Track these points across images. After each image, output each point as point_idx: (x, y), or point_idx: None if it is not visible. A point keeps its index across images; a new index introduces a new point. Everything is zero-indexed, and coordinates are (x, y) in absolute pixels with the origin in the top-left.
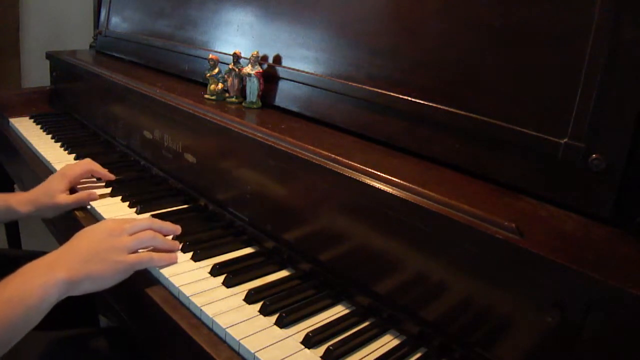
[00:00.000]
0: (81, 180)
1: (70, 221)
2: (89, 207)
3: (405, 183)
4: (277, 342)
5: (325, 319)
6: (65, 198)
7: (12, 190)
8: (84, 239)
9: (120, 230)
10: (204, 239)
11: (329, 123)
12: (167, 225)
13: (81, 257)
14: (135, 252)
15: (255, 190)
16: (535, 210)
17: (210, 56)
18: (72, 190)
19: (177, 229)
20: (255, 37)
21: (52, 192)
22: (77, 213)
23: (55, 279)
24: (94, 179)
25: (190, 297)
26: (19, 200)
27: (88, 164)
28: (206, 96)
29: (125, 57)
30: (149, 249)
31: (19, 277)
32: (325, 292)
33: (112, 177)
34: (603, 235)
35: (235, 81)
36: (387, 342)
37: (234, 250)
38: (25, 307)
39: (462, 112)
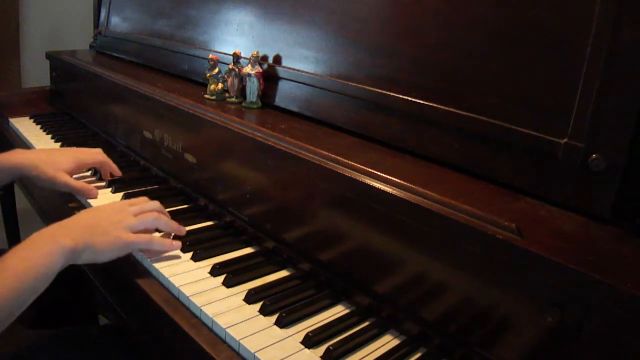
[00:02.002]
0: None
1: None
2: (88, 207)
3: (405, 183)
4: (277, 342)
5: (325, 319)
6: (66, 178)
7: (12, 190)
8: (90, 213)
9: (125, 210)
10: (204, 239)
11: (329, 123)
12: (173, 223)
13: (84, 227)
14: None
15: (255, 190)
16: (535, 210)
17: (210, 56)
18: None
19: (182, 230)
20: (255, 37)
21: (56, 165)
22: (76, 213)
23: (60, 246)
24: (94, 178)
25: (190, 297)
26: (16, 152)
27: (101, 156)
28: (206, 96)
29: (125, 57)
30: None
31: (25, 247)
32: (325, 292)
33: (120, 173)
34: (603, 235)
35: (235, 81)
36: (387, 342)
37: (234, 250)
38: (32, 274)
39: (462, 112)
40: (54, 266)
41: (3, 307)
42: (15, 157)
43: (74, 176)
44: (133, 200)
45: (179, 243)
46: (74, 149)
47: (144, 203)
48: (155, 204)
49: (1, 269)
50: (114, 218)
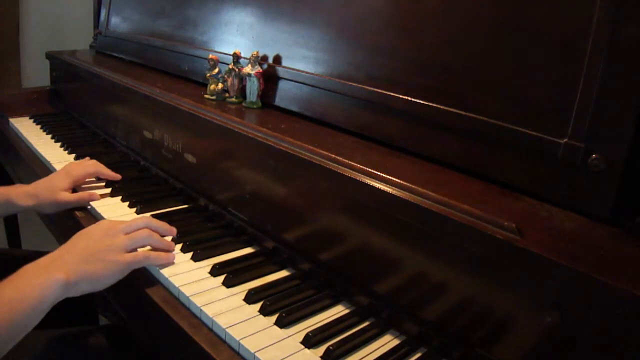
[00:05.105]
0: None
1: (70, 221)
2: (89, 207)
3: (405, 183)
4: (277, 342)
5: (325, 319)
6: (66, 196)
7: None
8: (81, 240)
9: (116, 230)
10: (204, 239)
11: (329, 123)
12: (164, 226)
13: (78, 257)
14: (133, 251)
15: (255, 190)
16: (535, 210)
17: (210, 56)
18: (74, 190)
19: (173, 230)
20: (255, 37)
21: (54, 189)
22: (77, 213)
23: (52, 280)
24: (93, 179)
25: (190, 297)
26: (19, 194)
27: (94, 166)
28: (206, 96)
29: (125, 57)
30: (146, 248)
31: (17, 279)
32: (325, 292)
33: (118, 176)
34: (603, 235)
35: (235, 81)
36: (387, 342)
37: (234, 250)
38: (24, 308)
39: (462, 112)
40: (47, 300)
41: None
42: (14, 192)
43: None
44: (122, 220)
45: (173, 255)
46: (66, 166)
47: (132, 220)
48: (144, 219)
49: None
50: (106, 241)
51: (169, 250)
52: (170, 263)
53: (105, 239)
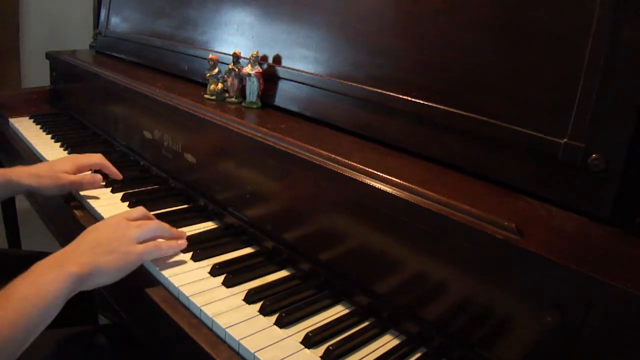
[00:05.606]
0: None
1: (69, 221)
2: (88, 207)
3: (405, 183)
4: (276, 342)
5: (325, 319)
6: (68, 177)
7: None
8: (91, 234)
9: (125, 222)
10: (203, 239)
11: (329, 123)
12: (172, 230)
13: (90, 250)
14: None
15: (255, 190)
16: (535, 210)
17: (210, 56)
18: None
19: (182, 235)
20: (255, 37)
21: (57, 170)
22: (76, 212)
23: (66, 273)
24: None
25: (190, 297)
26: (20, 173)
27: (99, 158)
28: (206, 96)
29: (125, 57)
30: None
31: (30, 276)
32: (325, 292)
33: (120, 176)
34: (603, 235)
35: (235, 81)
36: (387, 342)
37: (233, 250)
38: (39, 303)
39: (462, 112)
40: (61, 294)
41: (12, 336)
42: (15, 172)
43: None
44: (127, 212)
45: (184, 241)
46: (72, 155)
47: (139, 212)
48: (154, 222)
49: (8, 296)
50: (116, 233)
51: (180, 238)
52: (182, 249)
53: (116, 231)
